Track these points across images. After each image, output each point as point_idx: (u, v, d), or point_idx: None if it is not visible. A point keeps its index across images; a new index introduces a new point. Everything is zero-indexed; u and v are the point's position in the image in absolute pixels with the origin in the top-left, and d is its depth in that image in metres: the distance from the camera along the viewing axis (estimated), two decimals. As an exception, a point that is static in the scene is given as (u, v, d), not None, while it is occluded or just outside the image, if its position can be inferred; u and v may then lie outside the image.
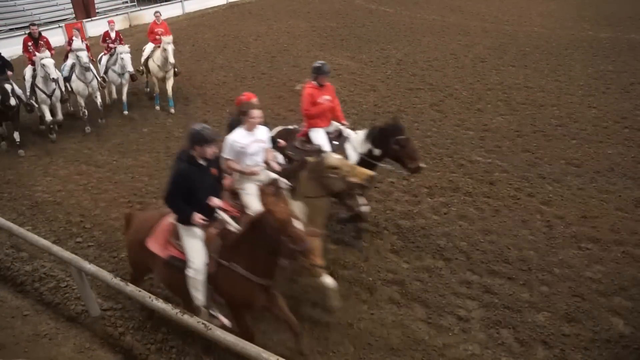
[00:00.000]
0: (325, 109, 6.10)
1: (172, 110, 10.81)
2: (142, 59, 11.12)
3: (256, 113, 4.73)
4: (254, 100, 5.24)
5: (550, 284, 5.31)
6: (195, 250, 4.13)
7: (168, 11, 22.02)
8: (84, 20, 18.83)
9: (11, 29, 18.25)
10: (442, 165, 7.98)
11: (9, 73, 9.13)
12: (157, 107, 10.98)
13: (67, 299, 5.38)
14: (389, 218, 6.65)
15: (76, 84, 9.75)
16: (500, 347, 4.59)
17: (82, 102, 9.92)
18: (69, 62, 10.05)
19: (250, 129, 4.76)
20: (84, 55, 9.51)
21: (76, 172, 8.39)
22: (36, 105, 9.45)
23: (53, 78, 8.95)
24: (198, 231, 4.16)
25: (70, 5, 20.08)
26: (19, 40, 16.65)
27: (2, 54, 9.81)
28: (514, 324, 4.82)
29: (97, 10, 20.56)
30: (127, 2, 23.89)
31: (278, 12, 21.67)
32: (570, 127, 9.11)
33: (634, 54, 13.22)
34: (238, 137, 4.73)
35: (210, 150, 4.07)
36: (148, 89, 11.93)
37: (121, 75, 10.44)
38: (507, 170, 7.73)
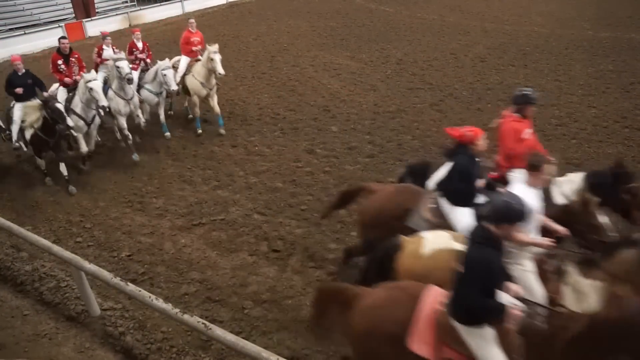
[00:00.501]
0: (531, 146, 5.08)
1: (223, 131, 9.45)
2: (177, 77, 9.27)
3: (548, 168, 3.87)
4: (482, 136, 4.55)
5: (550, 283, 5.30)
6: (494, 356, 3.05)
7: (168, 11, 22.09)
8: (84, 20, 18.84)
9: (11, 29, 18.24)
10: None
11: (44, 94, 7.86)
12: (200, 131, 9.53)
13: (67, 298, 5.38)
14: (389, 218, 6.63)
15: (115, 102, 8.23)
16: (501, 346, 4.58)
17: (122, 122, 8.40)
18: (100, 76, 8.61)
19: (536, 186, 3.87)
20: (125, 65, 8.04)
21: (76, 171, 8.39)
22: (75, 134, 7.97)
23: (102, 105, 7.63)
24: (490, 331, 3.07)
25: (70, 5, 20.07)
26: (19, 40, 16.85)
27: (32, 71, 8.15)
28: (514, 323, 4.81)
29: (97, 10, 20.54)
30: (126, 1, 23.88)
31: (278, 11, 21.68)
32: (570, 127, 9.11)
33: (634, 53, 13.21)
34: (524, 196, 3.32)
35: (519, 233, 3.12)
36: (190, 114, 10.25)
37: (159, 94, 9.05)
38: (507, 169, 7.71)
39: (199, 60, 9.27)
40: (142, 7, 22.01)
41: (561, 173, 4.82)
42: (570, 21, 17.28)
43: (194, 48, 9.56)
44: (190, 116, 10.20)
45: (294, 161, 8.32)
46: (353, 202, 5.44)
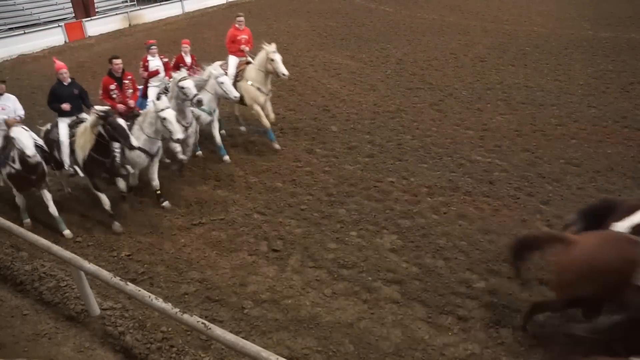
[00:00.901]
0: None
1: (277, 146, 8.56)
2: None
3: None
4: None
5: (550, 283, 5.30)
6: None
7: (168, 11, 22.09)
8: (84, 20, 18.83)
9: (10, 28, 18.23)
10: (441, 164, 7.98)
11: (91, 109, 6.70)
12: (277, 146, 8.57)
13: (67, 298, 5.38)
14: (388, 217, 6.65)
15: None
16: (500, 346, 4.59)
17: (179, 149, 7.31)
18: (152, 92, 7.64)
19: None
20: (192, 86, 6.93)
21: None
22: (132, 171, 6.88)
23: (177, 139, 6.50)
24: None
25: (70, 5, 20.05)
26: (18, 40, 16.83)
27: (78, 82, 7.04)
28: (514, 323, 4.82)
29: (96, 10, 20.53)
30: (126, 1, 23.87)
31: (278, 11, 21.68)
32: (570, 127, 9.11)
33: (634, 53, 13.22)
34: None
35: None
36: (242, 126, 9.42)
37: (212, 112, 7.69)
38: (506, 169, 7.73)
39: (250, 62, 8.37)
40: (142, 7, 22.00)
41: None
42: (570, 21, 17.29)
43: (241, 47, 8.57)
44: (243, 128, 9.43)
45: (293, 161, 8.32)
46: (538, 252, 4.72)
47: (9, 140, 6.21)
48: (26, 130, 6.11)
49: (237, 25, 8.66)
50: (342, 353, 4.59)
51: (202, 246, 6.25)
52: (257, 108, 8.32)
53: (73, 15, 20.01)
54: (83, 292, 5.03)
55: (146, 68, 7.87)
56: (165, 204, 7.06)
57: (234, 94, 7.54)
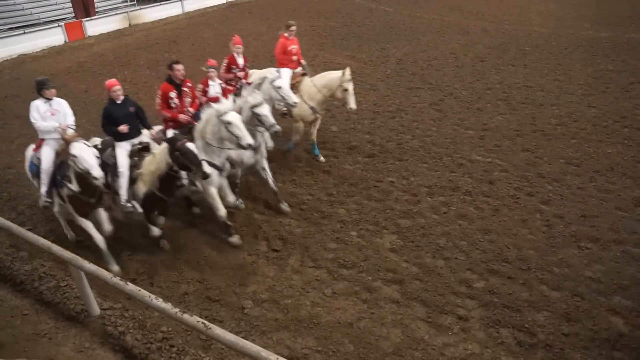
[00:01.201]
0: None
1: (322, 159, 8.18)
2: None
3: None
4: None
5: (550, 283, 5.31)
6: None
7: (167, 10, 22.07)
8: (84, 20, 18.82)
9: (10, 28, 18.21)
10: (441, 164, 7.98)
11: (151, 131, 6.09)
12: (322, 158, 8.15)
13: (67, 298, 5.38)
14: (388, 217, 6.65)
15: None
16: (500, 346, 4.59)
17: (239, 173, 6.92)
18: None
19: None
20: (269, 113, 6.18)
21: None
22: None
23: (249, 144, 5.63)
24: None
25: (70, 5, 20.03)
26: (18, 40, 16.82)
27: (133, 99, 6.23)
28: (514, 323, 4.82)
29: (96, 10, 20.51)
30: (126, 1, 23.85)
31: (278, 11, 21.67)
32: (569, 127, 9.11)
33: (634, 53, 13.22)
34: None
35: None
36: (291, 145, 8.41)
37: (271, 126, 6.22)
38: (506, 169, 7.73)
39: (305, 74, 7.85)
40: (141, 7, 21.97)
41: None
42: (570, 21, 17.29)
43: (293, 58, 7.95)
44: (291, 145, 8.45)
45: (293, 161, 8.32)
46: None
47: (64, 155, 5.38)
48: (88, 146, 5.18)
49: (286, 35, 7.96)
50: (342, 353, 4.59)
51: (202, 246, 6.24)
52: (300, 125, 7.86)
53: (73, 15, 19.98)
54: (83, 292, 5.03)
55: (205, 93, 6.89)
56: (235, 239, 6.19)
57: (293, 99, 6.69)
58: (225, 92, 7.11)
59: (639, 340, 4.55)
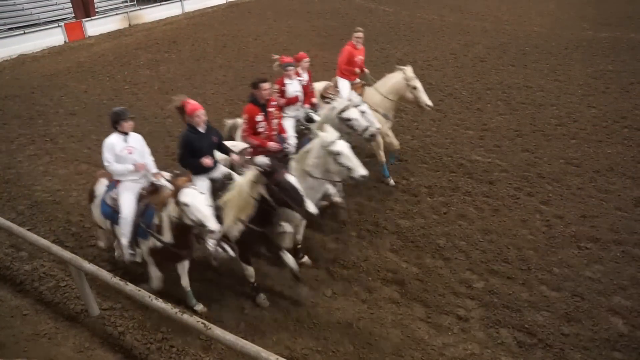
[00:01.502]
0: None
1: (392, 182, 7.33)
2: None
3: None
4: None
5: (550, 283, 5.31)
6: None
7: (167, 11, 22.09)
8: (84, 20, 18.82)
9: (10, 29, 18.22)
10: (441, 164, 7.98)
11: (232, 156, 5.28)
12: (392, 182, 7.34)
13: (67, 298, 5.38)
14: (388, 217, 6.65)
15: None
16: (500, 346, 4.59)
17: (333, 191, 5.97)
18: (289, 124, 6.22)
19: None
20: (359, 116, 5.68)
21: (76, 171, 8.38)
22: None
23: (361, 176, 4.95)
24: None
25: (70, 5, 20.05)
26: (18, 40, 16.83)
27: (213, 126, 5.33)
28: (514, 323, 4.82)
29: (96, 10, 20.52)
30: (126, 1, 23.87)
31: (277, 11, 21.68)
32: (569, 127, 9.12)
33: (634, 53, 13.22)
34: None
35: None
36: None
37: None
38: (506, 169, 7.73)
39: (366, 84, 7.31)
40: (141, 7, 22.00)
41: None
42: (569, 21, 17.29)
43: (356, 70, 7.35)
44: None
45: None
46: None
47: (146, 199, 4.80)
48: (200, 192, 4.28)
49: (354, 43, 7.44)
50: (342, 353, 4.59)
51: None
52: (379, 140, 7.09)
53: (73, 15, 20.00)
54: (83, 292, 5.03)
55: (283, 94, 6.20)
56: (305, 259, 5.71)
57: (377, 124, 5.92)
58: (307, 93, 6.48)
59: (639, 340, 4.55)
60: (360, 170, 4.91)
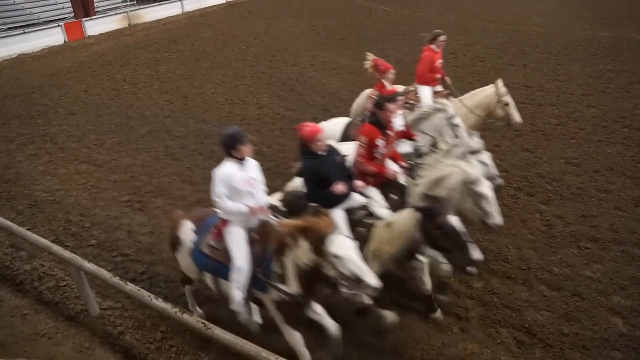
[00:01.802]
0: None
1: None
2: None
3: None
4: None
5: (550, 283, 5.31)
6: None
7: (167, 10, 22.09)
8: (83, 20, 18.82)
9: (10, 28, 18.21)
10: (441, 164, 7.97)
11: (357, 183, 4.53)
12: None
13: (67, 298, 5.38)
14: (388, 217, 6.63)
15: None
16: (500, 346, 4.59)
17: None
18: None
19: None
20: (461, 122, 5.31)
21: (75, 171, 8.38)
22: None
23: (495, 224, 4.43)
24: None
25: (69, 4, 20.04)
26: (18, 40, 16.83)
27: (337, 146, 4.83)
28: (513, 323, 4.82)
29: (96, 9, 20.52)
30: (126, 1, 23.86)
31: (277, 11, 21.68)
32: (569, 127, 9.12)
33: (633, 53, 13.23)
34: None
35: None
36: None
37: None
38: (506, 169, 7.72)
39: (450, 95, 6.75)
40: (141, 7, 22.00)
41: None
42: (569, 21, 17.30)
43: (437, 76, 6.84)
44: None
45: (294, 160, 8.31)
46: None
47: (260, 242, 3.98)
48: (349, 238, 3.58)
49: (434, 47, 6.86)
50: (342, 353, 4.58)
51: (202, 246, 6.23)
52: None
53: (72, 14, 20.00)
54: (83, 292, 5.03)
55: (391, 128, 5.05)
56: (438, 314, 4.89)
57: (473, 145, 5.15)
58: (408, 131, 5.66)
59: (639, 340, 4.56)
60: (499, 218, 4.32)
